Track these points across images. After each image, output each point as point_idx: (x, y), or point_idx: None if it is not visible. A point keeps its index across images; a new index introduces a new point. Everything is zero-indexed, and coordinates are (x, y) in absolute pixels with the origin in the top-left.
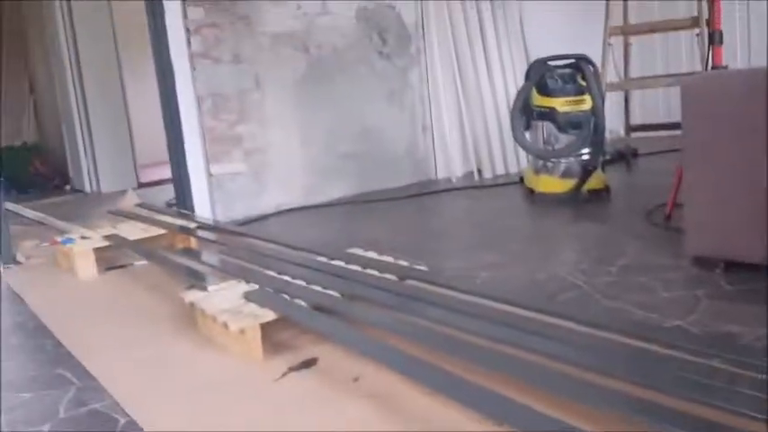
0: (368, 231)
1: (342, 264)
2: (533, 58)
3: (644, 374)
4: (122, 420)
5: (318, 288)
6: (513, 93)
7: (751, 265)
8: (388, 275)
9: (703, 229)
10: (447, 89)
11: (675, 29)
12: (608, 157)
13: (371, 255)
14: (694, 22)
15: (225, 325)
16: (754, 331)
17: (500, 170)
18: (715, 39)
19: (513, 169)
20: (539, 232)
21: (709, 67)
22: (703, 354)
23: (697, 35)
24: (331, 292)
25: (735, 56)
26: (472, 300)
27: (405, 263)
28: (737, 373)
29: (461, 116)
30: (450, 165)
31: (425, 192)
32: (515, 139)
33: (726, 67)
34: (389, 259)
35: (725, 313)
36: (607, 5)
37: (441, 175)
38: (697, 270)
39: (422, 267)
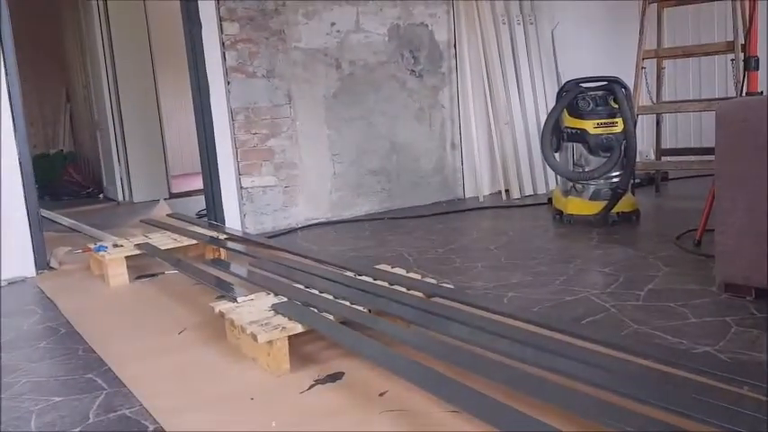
0: (394, 248)
1: (369, 279)
2: (565, 79)
3: (673, 401)
4: (151, 427)
5: (346, 303)
6: (543, 113)
7: None
8: (415, 292)
9: (734, 255)
10: (477, 108)
11: (710, 53)
12: (638, 181)
13: (399, 271)
14: (729, 47)
15: (253, 336)
16: None
17: (528, 191)
18: (751, 64)
19: (542, 190)
20: (566, 254)
21: (744, 92)
22: (730, 380)
23: (732, 60)
24: (358, 307)
25: None
26: (498, 319)
27: (432, 280)
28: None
29: (491, 136)
30: (477, 184)
31: (452, 210)
32: (545, 159)
33: (761, 93)
34: (417, 276)
35: (755, 341)
36: (642, 29)
37: (468, 194)
38: (727, 297)
39: (449, 285)
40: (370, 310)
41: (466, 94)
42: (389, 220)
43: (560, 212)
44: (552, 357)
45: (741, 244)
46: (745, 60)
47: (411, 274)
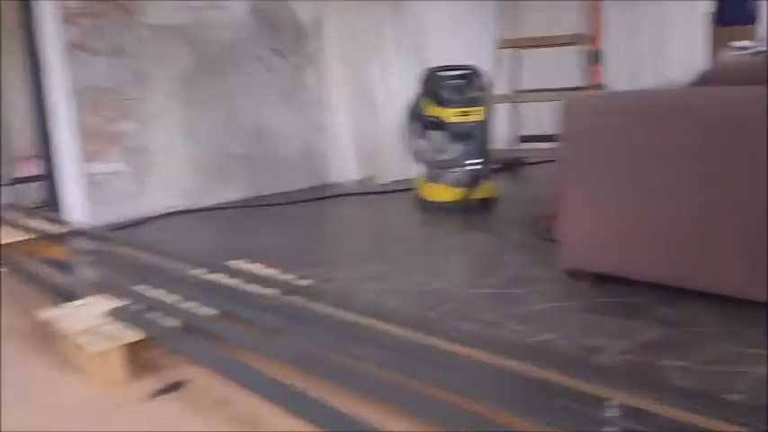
0: (256, 238)
1: (223, 277)
2: (431, 65)
3: (514, 399)
4: None
5: (193, 305)
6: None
7: (619, 278)
8: (270, 291)
9: (575, 242)
10: (343, 92)
11: (561, 44)
12: (497, 166)
13: (256, 267)
14: (577, 40)
15: (83, 346)
16: (616, 345)
17: (396, 176)
18: (593, 58)
19: (409, 175)
20: (427, 242)
21: (589, 85)
22: (565, 372)
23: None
24: (206, 310)
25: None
26: (353, 318)
27: (290, 276)
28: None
29: (358, 120)
30: (346, 169)
31: (319, 196)
32: (407, 148)
33: (603, 86)
34: (274, 272)
35: (592, 327)
36: (499, 19)
37: (336, 178)
38: (570, 282)
39: (306, 282)
40: (219, 313)
41: (331, 75)
42: (254, 207)
43: (424, 199)
44: (400, 357)
45: (581, 232)
46: (589, 54)
47: (268, 270)
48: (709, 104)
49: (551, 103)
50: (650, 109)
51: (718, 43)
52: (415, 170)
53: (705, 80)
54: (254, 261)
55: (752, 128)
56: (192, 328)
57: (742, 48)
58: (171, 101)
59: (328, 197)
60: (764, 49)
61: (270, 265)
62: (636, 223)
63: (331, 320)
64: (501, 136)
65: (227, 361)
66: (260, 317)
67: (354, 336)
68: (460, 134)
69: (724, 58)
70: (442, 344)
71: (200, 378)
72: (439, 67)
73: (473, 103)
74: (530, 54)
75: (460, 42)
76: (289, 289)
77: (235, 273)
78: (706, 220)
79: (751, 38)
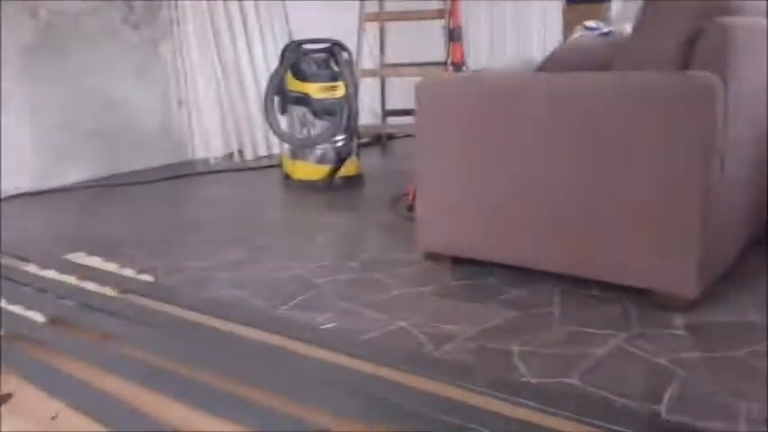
0: (106, 223)
1: (55, 274)
2: (296, 37)
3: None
4: None
5: (19, 309)
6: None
7: (475, 259)
8: (107, 289)
9: (432, 225)
10: (204, 65)
11: (424, 19)
12: (364, 140)
13: (94, 260)
14: (440, 14)
15: None
16: (466, 331)
17: (262, 151)
18: (454, 35)
19: (276, 151)
20: (290, 224)
21: (450, 63)
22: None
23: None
24: (34, 315)
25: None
26: (196, 318)
27: (133, 269)
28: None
29: (221, 94)
30: (209, 144)
31: (179, 174)
32: (268, 124)
33: (463, 63)
34: (113, 267)
35: (447, 312)
36: None
37: (199, 155)
38: (429, 265)
39: (148, 278)
40: (49, 318)
41: (189, 48)
42: (108, 187)
43: (289, 177)
44: (246, 363)
45: (438, 214)
46: (449, 31)
47: (111, 264)
48: (546, 89)
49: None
50: (491, 93)
51: (571, 22)
52: (284, 145)
53: (551, 62)
54: (97, 251)
55: (587, 113)
56: (17, 335)
57: (591, 28)
58: (8, 75)
59: (190, 175)
60: (611, 30)
61: (115, 255)
62: (485, 206)
63: (172, 322)
64: (367, 110)
65: (52, 374)
66: (94, 321)
67: (196, 338)
68: (324, 110)
69: (571, 40)
70: (287, 344)
71: (28, 391)
72: (302, 41)
73: (337, 77)
74: (398, 27)
75: (328, 15)
76: (129, 286)
77: (71, 268)
78: (550, 202)
79: (602, 17)
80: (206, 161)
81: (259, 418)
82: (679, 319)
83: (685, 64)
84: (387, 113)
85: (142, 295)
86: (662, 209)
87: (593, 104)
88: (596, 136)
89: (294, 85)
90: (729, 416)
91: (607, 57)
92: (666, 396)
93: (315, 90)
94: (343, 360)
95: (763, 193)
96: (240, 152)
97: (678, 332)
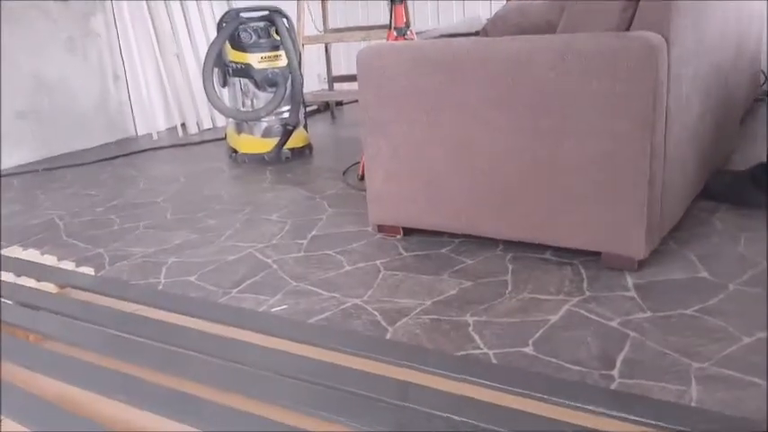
0: (44, 211)
1: None
2: (235, 6)
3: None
4: None
5: None
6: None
7: (426, 230)
8: (46, 284)
9: (383, 197)
10: (139, 36)
11: None
12: (312, 109)
13: (30, 254)
14: None
15: None
16: (420, 304)
17: (207, 124)
18: None
19: (221, 122)
20: (237, 201)
21: (393, 27)
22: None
23: None
24: None
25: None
26: (139, 311)
27: (70, 264)
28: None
29: (160, 67)
30: (150, 120)
31: (122, 153)
32: (208, 98)
33: (407, 27)
34: (52, 260)
35: (399, 285)
36: None
37: (141, 131)
38: (380, 238)
39: (89, 270)
40: None
41: (123, 20)
42: (44, 171)
43: (235, 151)
44: (185, 353)
45: (388, 186)
46: None
47: (45, 258)
48: (488, 54)
49: (364, 42)
50: (433, 60)
51: None
52: (227, 119)
53: (494, 23)
54: (34, 243)
55: (530, 77)
56: None
57: None
58: None
59: (132, 153)
60: None
61: (54, 246)
62: (432, 175)
63: (115, 317)
64: (313, 78)
65: None
66: (33, 321)
67: (142, 333)
68: (267, 80)
69: (512, 2)
70: (236, 333)
71: None
72: (240, 9)
73: (278, 46)
74: None
75: None
76: (69, 281)
77: (7, 264)
78: (497, 169)
79: None
80: (149, 137)
81: (209, 417)
82: (630, 280)
83: (629, 25)
84: (334, 80)
85: (83, 290)
86: (609, 171)
87: (537, 68)
88: (541, 100)
89: (234, 55)
90: (681, 376)
91: (550, 17)
92: (619, 360)
93: (256, 60)
94: (294, 348)
95: (709, 149)
96: (183, 126)
97: (629, 294)
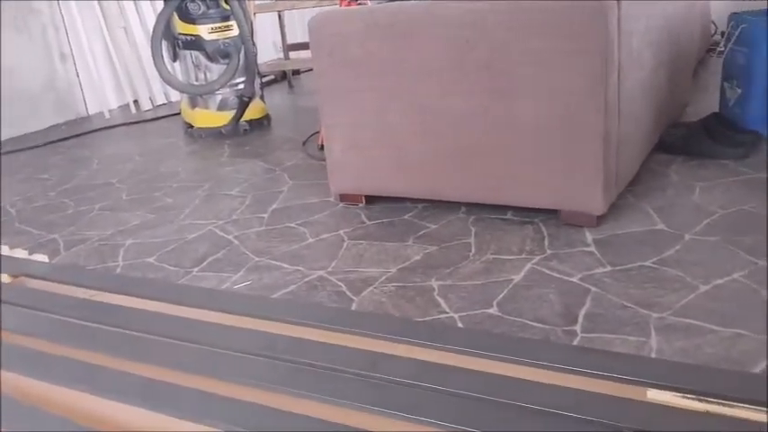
0: None
1: None
2: None
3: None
4: None
5: None
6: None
7: (388, 197)
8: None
9: (343, 166)
10: (84, 11)
11: None
12: (268, 79)
13: None
14: None
15: None
16: (385, 273)
17: (160, 99)
18: None
19: (175, 97)
20: (195, 177)
21: None
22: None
23: None
24: None
25: None
26: (99, 297)
27: (23, 252)
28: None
29: (109, 43)
30: (101, 98)
31: (73, 134)
32: (159, 73)
33: None
34: (5, 249)
35: (363, 254)
36: None
37: (92, 110)
38: (342, 207)
39: (42, 257)
40: None
41: None
42: None
43: (191, 126)
44: (148, 338)
45: (348, 155)
46: None
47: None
48: (441, 18)
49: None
50: (385, 25)
51: None
52: (181, 93)
53: None
54: None
55: (484, 40)
56: None
57: None
58: None
59: (86, 133)
60: None
61: (7, 233)
62: (391, 141)
63: (72, 304)
64: (268, 47)
65: None
66: None
67: (101, 320)
68: (219, 52)
69: None
70: (199, 314)
71: None
72: None
73: (228, 16)
74: None
75: None
76: (23, 270)
77: None
78: (455, 132)
79: None
80: (101, 115)
81: (180, 402)
82: (589, 236)
83: None
84: (289, 48)
85: (37, 278)
86: (565, 129)
87: (490, 29)
88: (495, 61)
89: (183, 27)
90: (641, 328)
91: None
92: (581, 315)
93: (206, 31)
94: (260, 325)
95: (663, 103)
96: (136, 103)
97: (589, 249)
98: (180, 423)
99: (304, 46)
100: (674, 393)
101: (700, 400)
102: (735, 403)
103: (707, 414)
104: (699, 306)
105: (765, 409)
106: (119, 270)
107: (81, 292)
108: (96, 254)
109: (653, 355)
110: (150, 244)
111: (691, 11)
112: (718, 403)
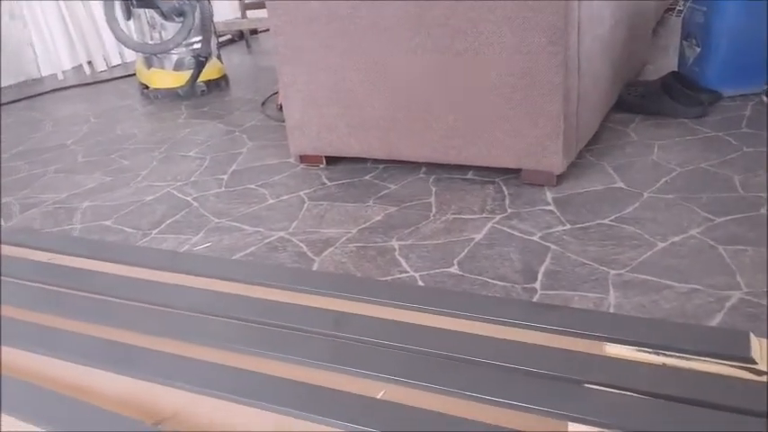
0: None
1: None
2: None
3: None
4: None
5: None
6: None
7: (349, 158)
8: None
9: (302, 126)
10: None
11: None
12: (225, 39)
13: None
14: None
15: None
16: (346, 234)
17: (115, 60)
18: None
19: (131, 57)
20: (152, 139)
21: None
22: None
23: None
24: None
25: None
26: (55, 259)
27: None
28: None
29: (59, 2)
30: (54, 59)
31: (25, 96)
32: (112, 31)
33: None
34: None
35: (324, 215)
36: None
37: (45, 71)
38: (302, 168)
39: None
40: None
41: None
42: None
43: (147, 87)
44: (107, 300)
45: (307, 115)
46: None
47: None
48: None
49: None
50: None
51: None
52: (136, 53)
53: None
54: None
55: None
56: None
57: None
58: None
59: (39, 95)
60: None
61: None
62: (350, 100)
63: (28, 268)
64: (225, 6)
65: None
66: None
67: (62, 282)
68: (174, 10)
69: None
70: (158, 276)
71: None
72: None
73: None
74: None
75: None
76: None
77: None
78: (414, 92)
79: None
80: (54, 77)
81: (143, 364)
82: (549, 195)
83: None
84: (246, 6)
85: None
86: (524, 88)
87: None
88: (454, 18)
89: None
90: (600, 284)
91: None
92: (541, 273)
93: None
94: (221, 286)
95: (622, 61)
96: (90, 64)
97: (549, 208)
98: (141, 384)
99: (261, 5)
100: (631, 347)
101: (657, 354)
102: (691, 356)
103: (664, 367)
104: (656, 262)
105: (721, 361)
106: (76, 233)
107: (38, 255)
108: (52, 217)
109: (611, 311)
110: (107, 206)
111: None
112: (675, 356)
